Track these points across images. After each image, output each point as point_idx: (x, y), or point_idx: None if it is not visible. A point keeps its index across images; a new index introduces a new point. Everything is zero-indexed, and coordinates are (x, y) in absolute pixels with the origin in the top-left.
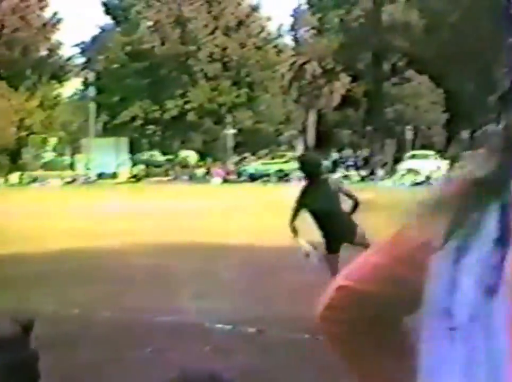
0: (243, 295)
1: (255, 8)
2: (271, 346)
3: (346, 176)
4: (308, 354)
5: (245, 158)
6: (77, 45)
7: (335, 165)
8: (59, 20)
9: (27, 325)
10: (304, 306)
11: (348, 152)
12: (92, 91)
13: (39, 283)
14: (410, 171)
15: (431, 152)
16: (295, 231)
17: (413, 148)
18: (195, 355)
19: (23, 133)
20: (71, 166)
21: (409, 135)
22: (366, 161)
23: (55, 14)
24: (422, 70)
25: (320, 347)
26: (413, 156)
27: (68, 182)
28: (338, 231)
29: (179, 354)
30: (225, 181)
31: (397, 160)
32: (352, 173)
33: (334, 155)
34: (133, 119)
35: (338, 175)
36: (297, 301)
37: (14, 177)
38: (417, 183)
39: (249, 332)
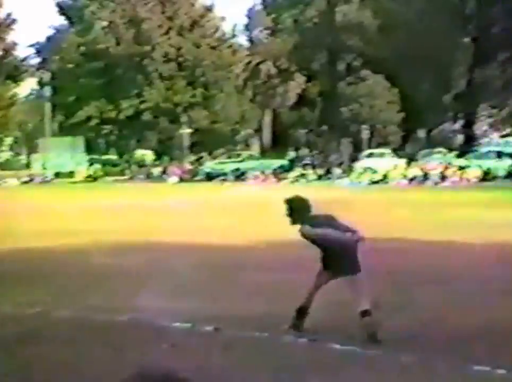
0: (201, 294)
1: (209, 8)
2: (228, 344)
3: (303, 175)
4: (266, 352)
5: (201, 157)
6: (32, 45)
7: (292, 164)
8: (13, 21)
9: None
10: (262, 304)
11: (304, 151)
12: (47, 91)
13: None
14: (367, 169)
15: (387, 151)
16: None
17: (369, 147)
18: (152, 354)
19: None
20: (28, 165)
21: (365, 134)
22: (323, 159)
23: (9, 14)
24: (377, 69)
25: (277, 345)
26: (369, 155)
27: (25, 182)
28: (335, 254)
29: (136, 353)
30: (181, 180)
31: (354, 159)
32: (309, 171)
33: (291, 154)
34: (89, 118)
35: (295, 173)
36: (254, 299)
37: None
38: (374, 182)
39: (207, 331)
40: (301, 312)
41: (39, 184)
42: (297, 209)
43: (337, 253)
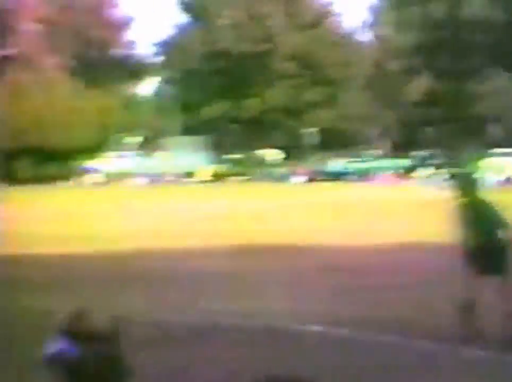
0: (330, 297)
1: (331, 4)
2: (361, 347)
3: (430, 174)
4: (400, 356)
5: (326, 157)
6: (155, 44)
7: (421, 163)
8: (132, 20)
9: (119, 324)
10: (394, 308)
11: (432, 149)
12: (171, 90)
13: (126, 284)
14: (497, 168)
15: None
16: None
17: (500, 145)
18: (282, 358)
19: (104, 133)
20: (153, 165)
21: (494, 131)
22: (451, 158)
23: (132, 12)
24: (507, 66)
25: (413, 350)
26: (500, 154)
27: (151, 182)
28: (483, 251)
29: (267, 356)
30: (308, 180)
31: (483, 157)
32: (437, 171)
33: (419, 153)
34: (213, 118)
35: (423, 173)
36: (384, 302)
37: (96, 176)
38: (506, 180)
39: (339, 334)
40: (467, 310)
41: (165, 184)
42: (464, 184)
43: (485, 250)
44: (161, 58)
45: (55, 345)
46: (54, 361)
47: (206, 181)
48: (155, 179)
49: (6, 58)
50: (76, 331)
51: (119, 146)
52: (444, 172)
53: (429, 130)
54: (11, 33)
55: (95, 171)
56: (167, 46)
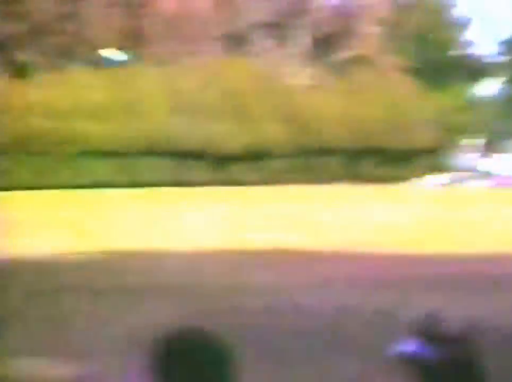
0: None
1: None
2: None
3: None
4: None
5: None
6: (499, 43)
7: None
8: (478, 18)
9: (473, 327)
10: None
11: None
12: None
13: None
14: None
15: None
16: None
17: None
18: None
19: (445, 134)
20: (496, 168)
21: None
22: None
23: (473, 11)
24: None
25: None
26: None
27: (495, 184)
28: None
29: None
30: None
31: None
32: None
33: None
34: None
35: None
36: None
37: (438, 178)
38: None
39: None
40: None
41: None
42: None
43: None
44: (505, 58)
45: (409, 345)
46: (410, 360)
47: None
48: (500, 181)
49: (349, 60)
50: (431, 333)
51: (460, 148)
52: None
53: None
54: (354, 35)
55: (438, 171)
56: (510, 46)
